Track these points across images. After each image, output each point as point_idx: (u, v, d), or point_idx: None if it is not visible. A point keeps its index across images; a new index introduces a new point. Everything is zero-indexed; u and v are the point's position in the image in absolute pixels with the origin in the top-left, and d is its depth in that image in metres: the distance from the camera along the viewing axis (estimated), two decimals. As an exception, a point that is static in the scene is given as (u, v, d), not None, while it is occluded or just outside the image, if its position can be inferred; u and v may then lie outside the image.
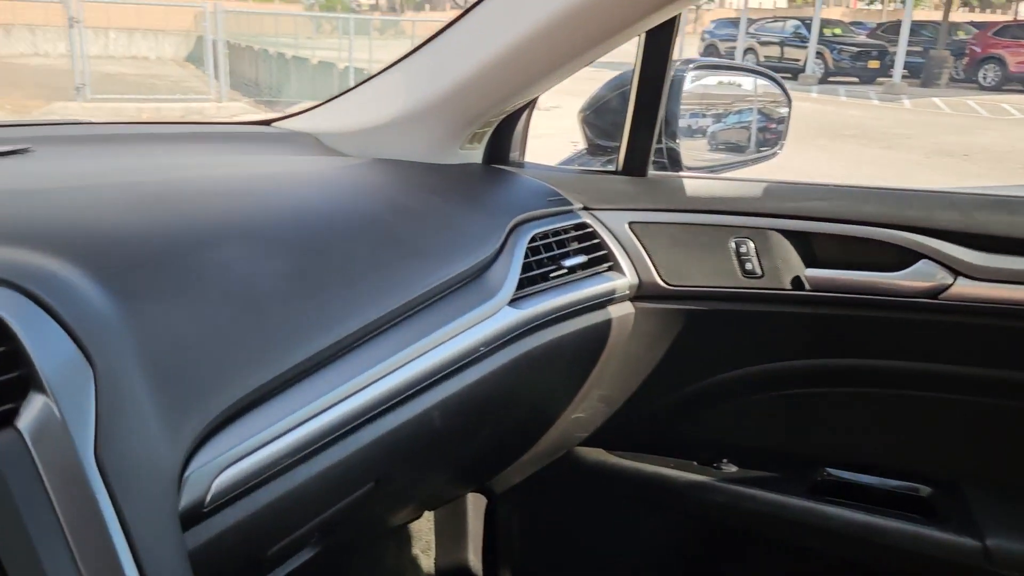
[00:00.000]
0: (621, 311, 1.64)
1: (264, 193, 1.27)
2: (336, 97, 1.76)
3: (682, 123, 1.82)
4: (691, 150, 1.90)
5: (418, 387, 1.20)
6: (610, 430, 1.86)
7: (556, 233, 1.56)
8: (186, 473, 0.89)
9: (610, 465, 1.90)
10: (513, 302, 1.39)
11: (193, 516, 0.90)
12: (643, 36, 1.61)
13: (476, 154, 1.73)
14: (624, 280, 1.62)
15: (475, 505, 2.01)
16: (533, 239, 1.50)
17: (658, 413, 1.84)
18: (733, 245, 1.64)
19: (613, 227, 1.66)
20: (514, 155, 1.79)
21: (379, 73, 1.68)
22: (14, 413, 0.77)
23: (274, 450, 0.99)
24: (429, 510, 2.03)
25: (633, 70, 1.65)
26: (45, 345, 0.81)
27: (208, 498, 0.91)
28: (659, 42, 1.60)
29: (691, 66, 1.81)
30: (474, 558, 2.03)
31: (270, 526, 1.01)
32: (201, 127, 1.73)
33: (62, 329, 0.83)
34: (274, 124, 1.80)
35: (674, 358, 1.72)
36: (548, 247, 1.54)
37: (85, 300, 0.88)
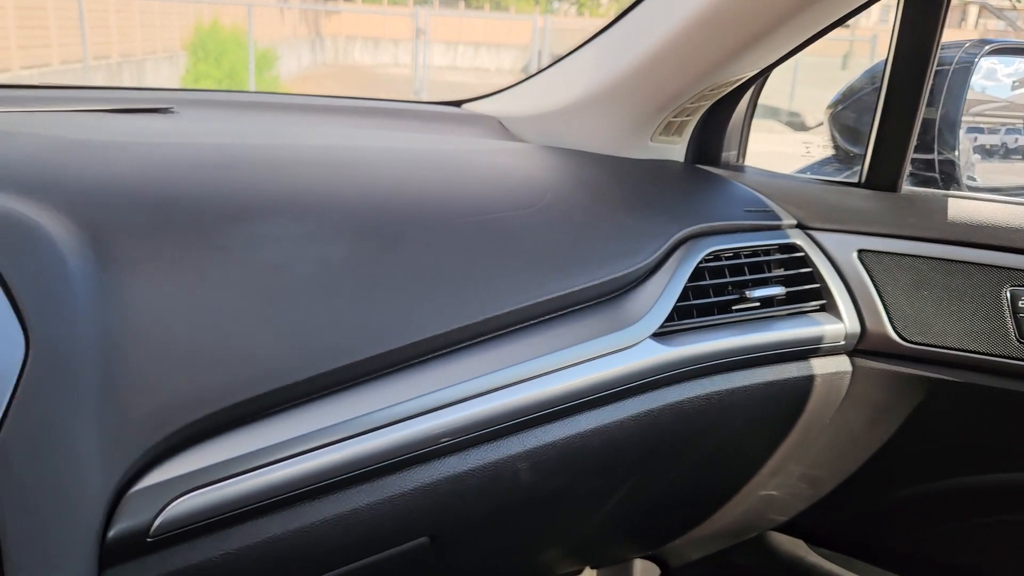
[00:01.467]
0: (832, 367, 1.23)
1: (369, 172, 1.08)
2: (527, 79, 1.54)
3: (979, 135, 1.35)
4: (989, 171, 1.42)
5: (501, 425, 0.94)
6: (816, 518, 1.43)
7: (750, 254, 1.20)
8: (130, 491, 0.72)
9: (809, 564, 1.47)
10: (662, 335, 1.07)
11: (131, 546, 0.72)
12: (901, 3, 1.19)
13: (676, 150, 1.42)
14: (839, 327, 1.21)
15: (643, 573, 1.68)
16: (712, 258, 1.16)
17: (880, 510, 1.37)
18: (1008, 295, 1.15)
19: (835, 254, 1.25)
20: (728, 155, 1.44)
21: (570, 53, 1.44)
22: None
23: (269, 479, 0.79)
24: (591, 568, 1.74)
25: (889, 52, 1.23)
26: None
27: (155, 526, 0.73)
28: (921, 12, 1.17)
29: (986, 49, 1.33)
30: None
31: (257, 573, 0.81)
32: (388, 104, 1.60)
33: (2, 291, 0.70)
34: (464, 105, 1.63)
35: (908, 442, 1.26)
36: (736, 270, 1.18)
37: (51, 263, 0.75)
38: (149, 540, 0.73)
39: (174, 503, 0.74)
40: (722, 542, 1.54)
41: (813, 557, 1.47)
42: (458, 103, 1.66)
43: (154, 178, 0.91)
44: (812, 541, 1.49)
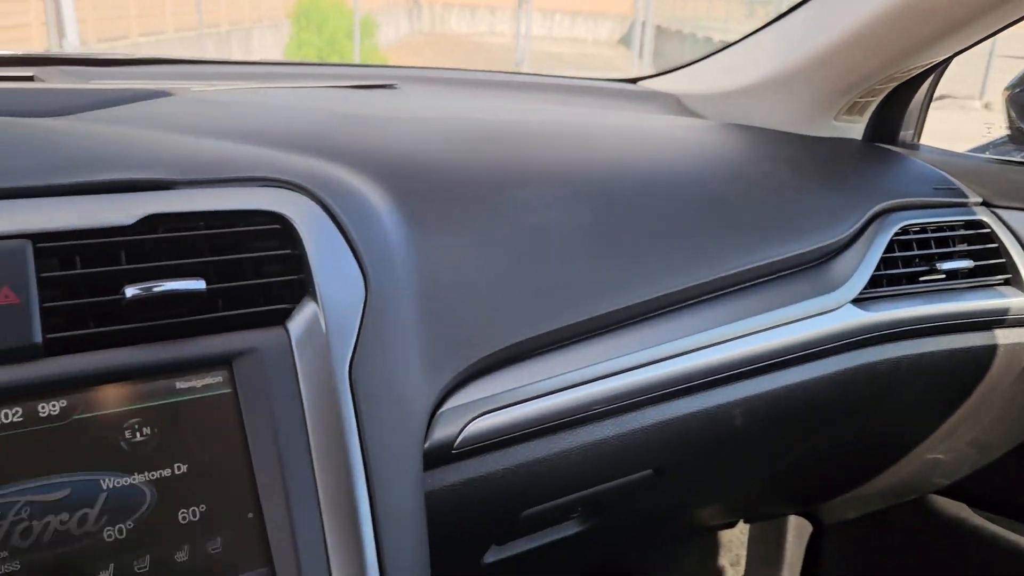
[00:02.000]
0: (1015, 338, 1.30)
1: (590, 143, 1.20)
2: (704, 58, 1.63)
3: None
4: None
5: (720, 375, 1.05)
6: (981, 482, 1.50)
7: (937, 228, 1.28)
8: (440, 410, 0.87)
9: (973, 526, 1.54)
10: (860, 301, 1.16)
11: (440, 455, 0.87)
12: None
13: (855, 128, 1.49)
14: (1023, 300, 1.28)
15: (797, 530, 1.78)
16: (902, 232, 1.24)
17: None
18: None
19: (1021, 231, 1.31)
20: (905, 134, 1.51)
21: (751, 34, 1.52)
22: (286, 314, 0.79)
23: (540, 408, 0.93)
24: (745, 521, 1.84)
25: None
26: (328, 256, 0.83)
27: (458, 440, 0.88)
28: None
29: None
30: (787, 585, 1.80)
31: (526, 487, 0.95)
32: (569, 80, 1.72)
33: (347, 244, 0.85)
34: (639, 83, 1.73)
35: None
36: (923, 244, 1.26)
37: (377, 220, 0.89)
38: (453, 452, 0.87)
39: (472, 423, 0.88)
40: (880, 502, 1.62)
41: (977, 520, 1.54)
42: (633, 80, 1.76)
43: (432, 149, 1.05)
44: (975, 504, 1.56)
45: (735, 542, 1.87)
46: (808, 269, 1.15)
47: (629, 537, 1.38)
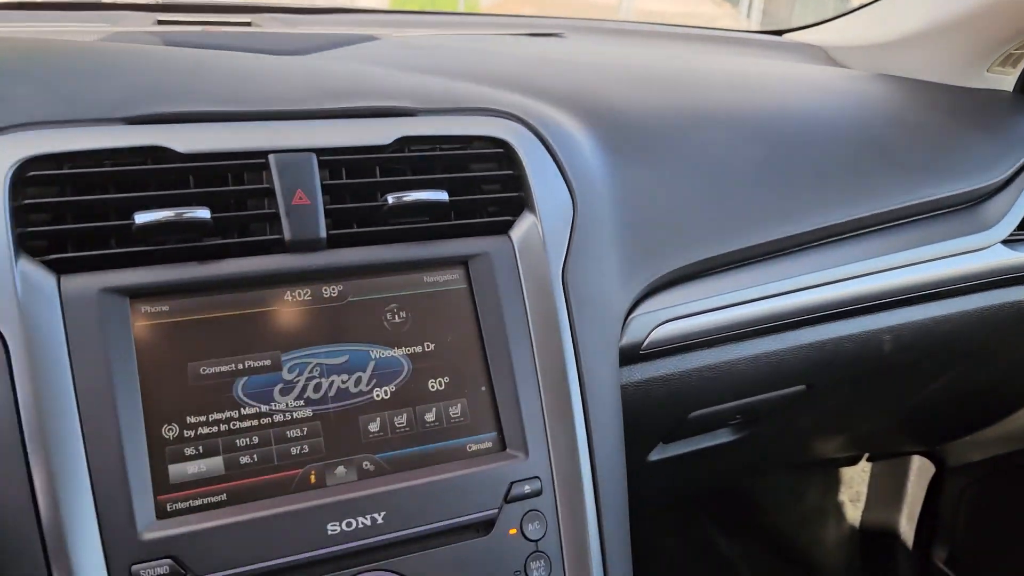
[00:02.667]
0: None
1: (754, 89, 1.29)
2: (851, 12, 1.69)
3: None
4: None
5: (873, 303, 1.14)
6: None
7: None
8: (631, 316, 1.00)
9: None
10: (1010, 242, 1.23)
11: (629, 355, 1.00)
12: None
13: (1007, 80, 1.53)
14: None
15: (920, 471, 1.85)
16: None
17: None
18: None
19: None
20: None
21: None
22: (509, 225, 0.93)
23: (714, 320, 1.05)
24: (867, 458, 1.93)
25: None
26: (542, 177, 0.96)
27: (645, 343, 1.00)
28: None
29: None
30: (906, 524, 1.88)
31: (696, 390, 1.07)
32: (716, 32, 1.80)
33: (557, 168, 0.98)
34: (785, 36, 1.79)
35: None
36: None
37: (580, 148, 1.02)
38: (640, 352, 1.00)
39: (658, 328, 1.01)
40: (1007, 445, 1.68)
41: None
42: (779, 32, 1.83)
43: (620, 89, 1.17)
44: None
45: (856, 479, 1.95)
46: (961, 210, 1.23)
47: (770, 455, 1.49)
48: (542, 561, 0.85)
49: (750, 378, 1.10)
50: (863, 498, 1.94)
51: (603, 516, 0.88)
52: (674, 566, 2.07)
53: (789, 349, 1.10)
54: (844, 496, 1.97)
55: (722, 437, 1.24)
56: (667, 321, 1.02)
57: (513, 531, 0.84)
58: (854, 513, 1.96)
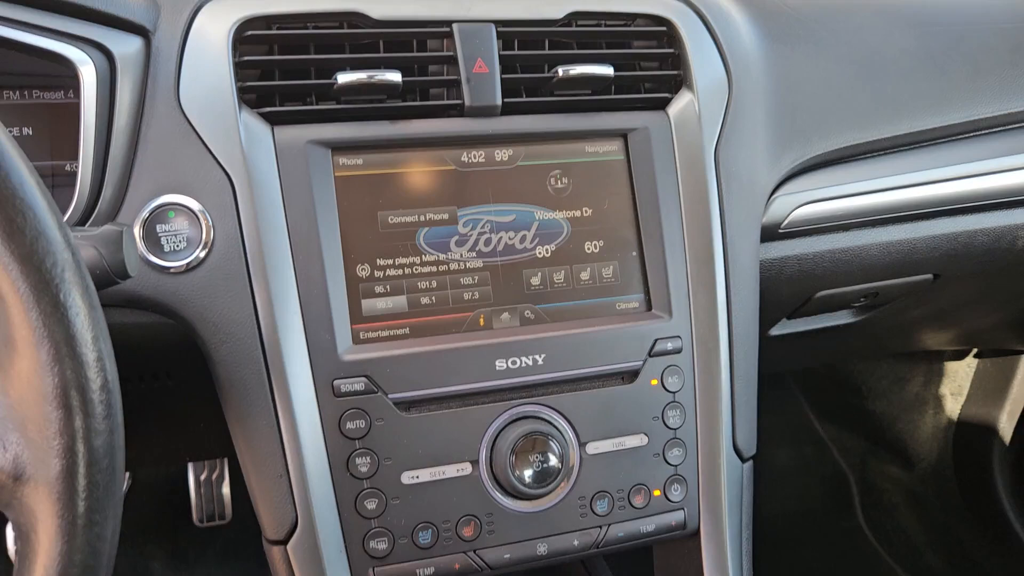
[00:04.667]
0: None
1: None
2: None
3: None
4: None
5: (1011, 199, 1.16)
6: None
7: None
8: (774, 195, 1.05)
9: None
10: None
11: (769, 233, 1.06)
12: None
13: None
14: None
15: (1027, 369, 1.87)
16: None
17: None
18: None
19: None
20: None
21: None
22: (667, 102, 0.98)
23: (853, 204, 1.09)
24: (975, 354, 1.95)
25: None
26: (701, 57, 1.00)
27: (785, 222, 1.06)
28: None
29: None
30: (1006, 421, 1.91)
31: (826, 271, 1.12)
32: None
33: (716, 48, 1.01)
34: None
35: None
36: None
37: (738, 31, 1.05)
38: (779, 231, 1.06)
39: (799, 208, 1.06)
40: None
41: None
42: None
43: None
44: None
45: (961, 373, 1.98)
46: None
47: (884, 341, 1.54)
48: (678, 411, 0.94)
49: (880, 264, 1.14)
50: (965, 392, 1.98)
51: (735, 377, 0.97)
52: (768, 442, 2.17)
53: (922, 239, 1.14)
54: (946, 389, 2.00)
55: (842, 319, 1.30)
56: (809, 203, 1.06)
57: (654, 382, 0.94)
58: (953, 406, 2.00)
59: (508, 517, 0.88)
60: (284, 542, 0.84)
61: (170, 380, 0.96)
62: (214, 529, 1.81)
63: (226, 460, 1.72)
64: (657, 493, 0.94)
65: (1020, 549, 1.87)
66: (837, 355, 1.65)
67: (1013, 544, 1.88)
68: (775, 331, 1.26)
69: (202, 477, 1.72)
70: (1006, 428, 1.89)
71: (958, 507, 2.02)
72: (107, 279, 0.64)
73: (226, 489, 1.72)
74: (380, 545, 0.84)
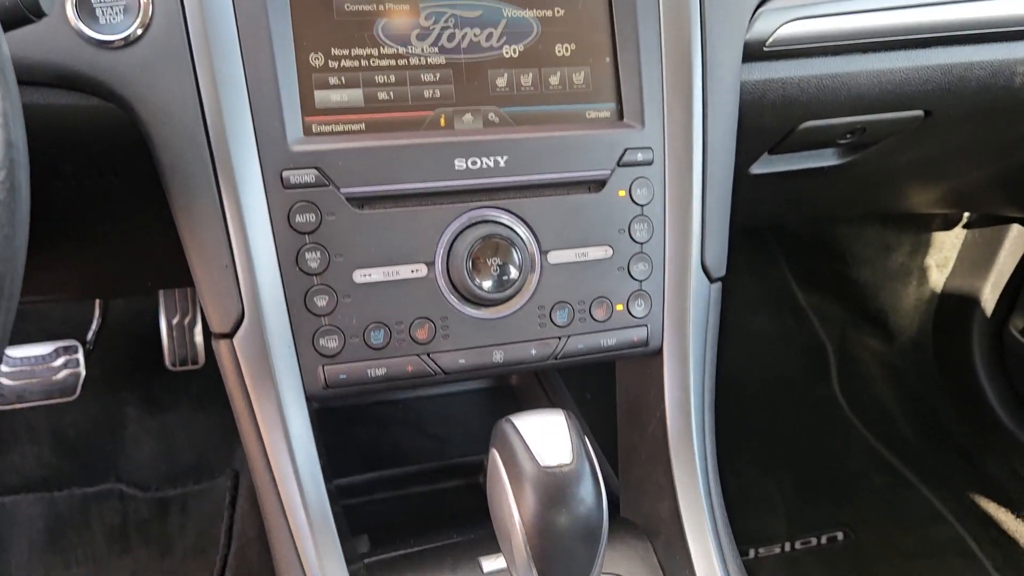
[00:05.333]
0: None
1: None
2: None
3: None
4: None
5: (1012, 28, 1.10)
6: None
7: None
8: (761, 8, 0.98)
9: None
10: None
11: (752, 52, 1.00)
12: None
13: None
14: None
15: (1016, 239, 1.84)
16: None
17: None
18: None
19: None
20: None
21: None
22: None
23: (845, 24, 1.02)
24: (963, 225, 1.92)
25: None
26: None
27: (771, 39, 1.00)
28: None
29: None
30: (989, 292, 1.89)
31: (812, 99, 1.07)
32: None
33: None
34: None
35: None
36: None
37: None
38: (765, 49, 1.00)
39: (786, 25, 0.99)
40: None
41: None
42: None
43: None
44: None
45: (947, 245, 1.96)
46: None
47: (870, 193, 1.50)
48: (646, 225, 0.91)
49: (869, 94, 1.09)
50: (950, 264, 1.95)
51: (707, 194, 0.93)
52: (748, 309, 2.16)
53: (915, 68, 1.08)
54: (931, 260, 1.98)
55: (827, 159, 1.25)
56: (797, 19, 1.00)
57: (622, 193, 0.90)
58: (938, 278, 1.98)
59: (464, 322, 0.86)
60: (230, 335, 0.81)
61: (116, 177, 0.92)
62: (187, 375, 1.81)
63: (199, 307, 1.70)
64: (620, 308, 0.91)
65: (992, 421, 1.88)
66: (821, 208, 1.61)
67: (986, 416, 1.89)
68: (756, 168, 1.21)
69: (174, 321, 1.70)
70: (988, 300, 1.88)
71: (934, 379, 2.02)
72: (19, 15, 0.59)
73: (199, 334, 1.72)
74: (331, 343, 0.82)
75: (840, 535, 1.83)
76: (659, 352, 0.94)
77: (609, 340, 0.91)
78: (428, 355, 0.85)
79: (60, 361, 1.58)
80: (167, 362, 1.70)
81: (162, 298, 1.69)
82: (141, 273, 1.25)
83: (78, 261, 1.19)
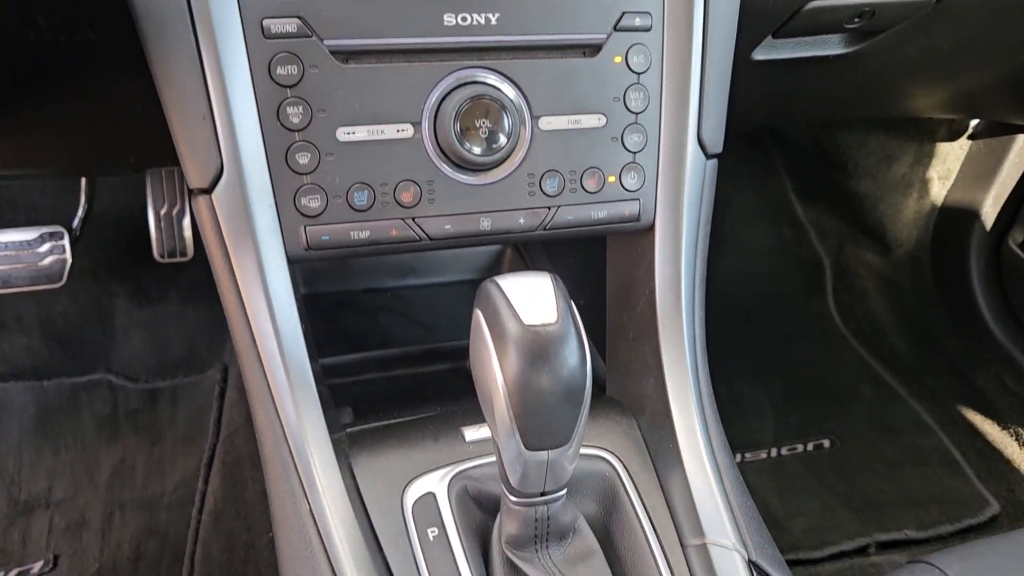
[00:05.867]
0: None
1: None
2: None
3: None
4: None
5: None
6: None
7: None
8: None
9: None
10: None
11: None
12: None
13: None
14: None
15: (1021, 150, 1.80)
16: None
17: None
18: None
19: None
20: None
21: None
22: None
23: None
24: (968, 136, 1.88)
25: None
26: None
27: None
28: None
29: None
30: (991, 205, 1.86)
31: None
32: None
33: None
34: None
35: None
36: None
37: None
38: None
39: None
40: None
41: None
42: None
43: None
44: None
45: (951, 156, 1.92)
46: None
47: (875, 91, 1.45)
48: (641, 94, 0.88)
49: None
50: (953, 176, 1.92)
51: (707, 65, 0.90)
52: (747, 221, 2.14)
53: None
54: (934, 171, 1.94)
55: (833, 47, 1.20)
56: None
57: (618, 59, 0.86)
58: (939, 190, 1.95)
59: (451, 187, 0.83)
60: (208, 191, 0.79)
61: (92, 31, 0.88)
62: (176, 268, 1.79)
63: (187, 197, 1.67)
64: (612, 179, 0.88)
65: (985, 334, 1.88)
66: (824, 107, 1.57)
67: (979, 329, 1.89)
68: (759, 54, 1.17)
69: (162, 212, 1.68)
70: (989, 213, 1.85)
71: (929, 294, 2.01)
72: None
73: (187, 227, 1.69)
74: (313, 203, 0.80)
75: (826, 442, 1.85)
76: (651, 228, 0.92)
77: (600, 213, 0.89)
78: (413, 219, 0.83)
79: (46, 247, 1.56)
80: (155, 253, 1.68)
81: (149, 189, 1.66)
82: (123, 146, 1.22)
83: (60, 132, 1.15)
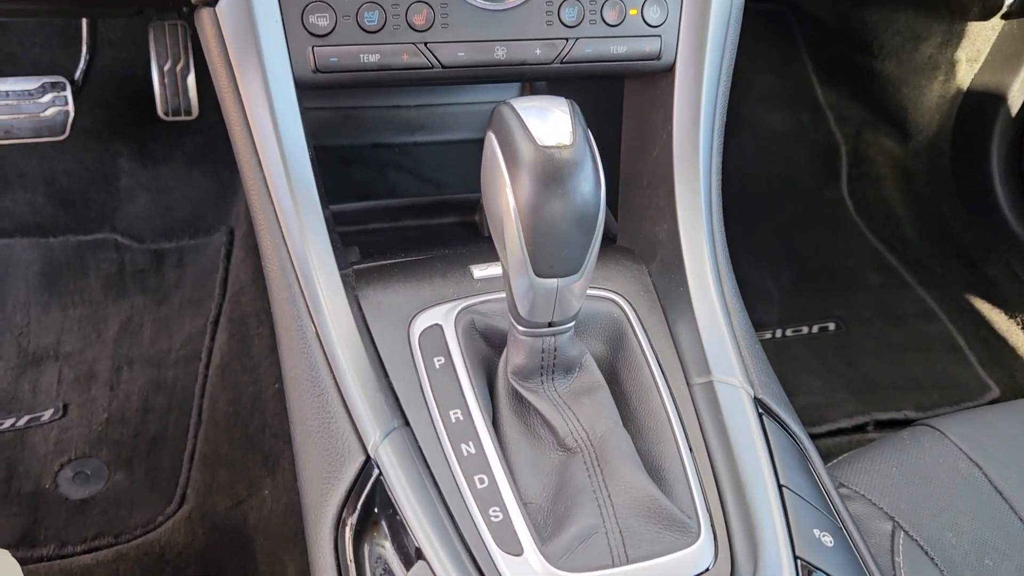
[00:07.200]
0: None
1: None
2: None
3: None
4: None
5: None
6: None
7: None
8: None
9: None
10: None
11: None
12: None
13: None
14: None
15: None
16: None
17: None
18: None
19: None
20: None
21: None
22: None
23: None
24: (1004, 14, 1.80)
25: None
26: None
27: None
28: None
29: None
30: (1018, 88, 1.81)
31: None
32: None
33: None
34: None
35: None
36: None
37: None
38: None
39: None
40: None
41: None
42: None
43: None
44: None
45: (981, 37, 1.85)
46: None
47: None
48: None
49: None
50: (982, 58, 1.85)
51: None
52: (764, 104, 2.08)
53: None
54: (962, 53, 1.87)
55: None
56: None
57: None
58: (966, 73, 1.88)
59: (466, 11, 0.80)
60: (212, 3, 0.75)
61: None
62: (181, 130, 1.76)
63: (191, 52, 1.62)
64: (634, 12, 0.84)
65: (1000, 222, 1.85)
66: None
67: (994, 217, 1.86)
68: None
69: (165, 67, 1.63)
70: (1016, 98, 1.79)
71: (945, 183, 1.97)
72: None
73: (192, 85, 1.65)
74: (321, 21, 0.76)
75: (832, 326, 1.85)
76: (671, 70, 0.88)
77: (619, 48, 0.85)
78: (425, 44, 0.80)
79: (48, 97, 1.52)
80: (159, 111, 1.64)
81: (152, 43, 1.61)
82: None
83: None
